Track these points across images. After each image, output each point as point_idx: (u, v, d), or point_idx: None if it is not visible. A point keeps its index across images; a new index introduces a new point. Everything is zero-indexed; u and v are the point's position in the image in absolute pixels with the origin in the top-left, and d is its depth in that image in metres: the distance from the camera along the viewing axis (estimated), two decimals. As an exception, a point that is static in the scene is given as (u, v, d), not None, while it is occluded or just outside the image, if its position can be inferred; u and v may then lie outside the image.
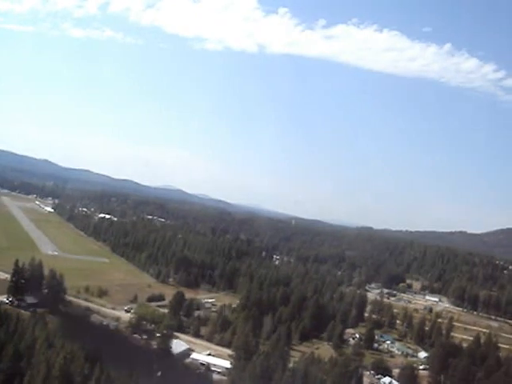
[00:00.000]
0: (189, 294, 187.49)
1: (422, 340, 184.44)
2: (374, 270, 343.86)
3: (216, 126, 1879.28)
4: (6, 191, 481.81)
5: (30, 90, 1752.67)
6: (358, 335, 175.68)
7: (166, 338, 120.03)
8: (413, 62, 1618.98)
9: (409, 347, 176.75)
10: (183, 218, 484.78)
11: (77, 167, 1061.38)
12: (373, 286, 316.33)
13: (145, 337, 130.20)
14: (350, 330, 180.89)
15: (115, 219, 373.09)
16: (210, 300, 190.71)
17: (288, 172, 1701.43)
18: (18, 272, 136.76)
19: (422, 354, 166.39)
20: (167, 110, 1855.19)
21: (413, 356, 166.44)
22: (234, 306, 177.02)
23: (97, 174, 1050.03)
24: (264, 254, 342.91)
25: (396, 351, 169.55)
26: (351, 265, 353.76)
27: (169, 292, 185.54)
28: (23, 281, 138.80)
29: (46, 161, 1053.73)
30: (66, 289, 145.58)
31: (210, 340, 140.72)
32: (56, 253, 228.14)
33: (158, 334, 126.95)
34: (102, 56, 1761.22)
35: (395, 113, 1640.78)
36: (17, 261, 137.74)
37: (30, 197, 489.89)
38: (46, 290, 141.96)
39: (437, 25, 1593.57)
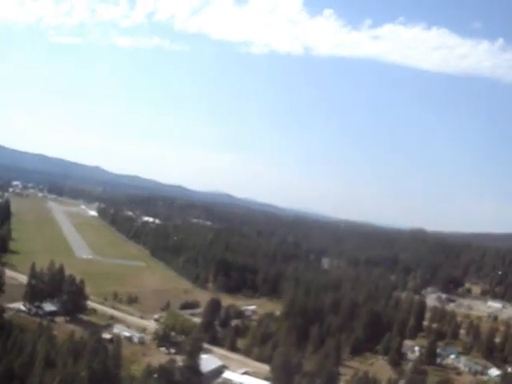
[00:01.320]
0: (227, 301, 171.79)
1: (491, 354, 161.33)
2: (430, 273, 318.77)
3: (264, 130, 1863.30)
4: (53, 196, 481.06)
5: (80, 100, 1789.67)
6: (417, 348, 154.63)
7: (194, 353, 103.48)
8: (464, 60, 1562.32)
9: (476, 362, 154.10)
10: (229, 221, 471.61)
11: (127, 173, 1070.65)
12: (429, 290, 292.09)
13: (172, 350, 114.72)
14: (408, 342, 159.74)
15: (158, 222, 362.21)
16: (250, 307, 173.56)
17: (336, 175, 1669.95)
18: (34, 277, 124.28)
19: (494, 372, 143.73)
20: (216, 114, 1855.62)
21: (482, 373, 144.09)
22: (277, 313, 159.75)
23: (146, 179, 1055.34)
24: (312, 257, 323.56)
25: (462, 367, 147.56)
26: (405, 268, 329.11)
27: (206, 298, 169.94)
28: (43, 286, 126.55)
29: (96, 167, 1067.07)
30: (86, 295, 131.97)
31: (247, 354, 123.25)
32: (91, 256, 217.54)
33: (187, 348, 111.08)
34: (150, 63, 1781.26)
35: (446, 111, 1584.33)
36: (33, 265, 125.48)
37: (76, 202, 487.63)
38: (65, 297, 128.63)
39: (487, 20, 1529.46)
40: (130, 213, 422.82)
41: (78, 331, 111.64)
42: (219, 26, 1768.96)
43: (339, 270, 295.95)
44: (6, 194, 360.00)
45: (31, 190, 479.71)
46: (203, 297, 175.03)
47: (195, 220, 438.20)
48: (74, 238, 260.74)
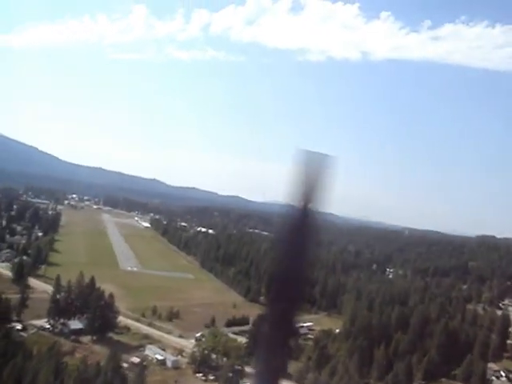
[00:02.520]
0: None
1: None
2: (506, 283, 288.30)
3: (322, 136, 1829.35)
4: (108, 208, 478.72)
5: (138, 114, 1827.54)
6: (503, 373, 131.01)
7: (234, 381, 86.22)
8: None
9: None
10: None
11: (184, 185, 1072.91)
12: (506, 302, 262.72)
13: (211, 377, 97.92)
14: (491, 365, 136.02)
15: (211, 232, 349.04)
16: (306, 324, 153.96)
17: (398, 182, 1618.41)
18: (59, 291, 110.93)
19: None
20: (273, 124, 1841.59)
21: None
22: (336, 331, 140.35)
23: (204, 191, 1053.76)
24: (375, 266, 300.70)
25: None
26: (478, 277, 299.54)
27: (256, 312, 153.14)
28: (69, 301, 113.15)
29: (154, 180, 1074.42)
30: (117, 311, 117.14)
31: (300, 382, 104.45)
32: (135, 268, 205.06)
33: (230, 374, 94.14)
34: (206, 75, 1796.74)
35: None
36: (57, 277, 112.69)
37: (131, 213, 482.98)
38: (93, 314, 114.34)
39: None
40: (184, 224, 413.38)
41: (104, 353, 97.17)
42: (275, 35, 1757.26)
43: (405, 280, 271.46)
44: (58, 207, 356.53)
45: (87, 203, 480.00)
46: (254, 312, 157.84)
47: (251, 230, 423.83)
48: (122, 249, 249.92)
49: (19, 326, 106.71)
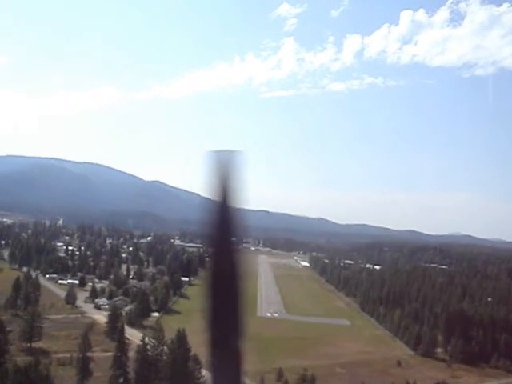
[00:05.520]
0: (469, 379, 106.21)
1: None
2: None
3: (502, 162, 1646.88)
4: (267, 249, 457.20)
5: (298, 154, 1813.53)
6: None
7: None
8: None
9: None
10: (469, 262, 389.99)
11: (354, 222, 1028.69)
12: None
13: None
14: None
15: (377, 268, 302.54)
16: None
17: None
18: (122, 350, 78.12)
19: None
20: (446, 148, 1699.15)
21: None
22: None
23: (375, 227, 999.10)
24: None
25: None
26: None
27: (432, 375, 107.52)
28: (145, 366, 79.67)
29: (321, 219, 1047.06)
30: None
31: None
32: (276, 314, 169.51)
33: None
34: (366, 106, 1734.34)
35: None
36: (121, 332, 79.55)
37: (291, 253, 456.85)
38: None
39: None
40: (349, 261, 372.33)
41: None
42: (434, 52, 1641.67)
43: None
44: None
45: (245, 245, 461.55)
46: (427, 372, 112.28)
47: (426, 264, 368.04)
48: (269, 291, 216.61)
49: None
